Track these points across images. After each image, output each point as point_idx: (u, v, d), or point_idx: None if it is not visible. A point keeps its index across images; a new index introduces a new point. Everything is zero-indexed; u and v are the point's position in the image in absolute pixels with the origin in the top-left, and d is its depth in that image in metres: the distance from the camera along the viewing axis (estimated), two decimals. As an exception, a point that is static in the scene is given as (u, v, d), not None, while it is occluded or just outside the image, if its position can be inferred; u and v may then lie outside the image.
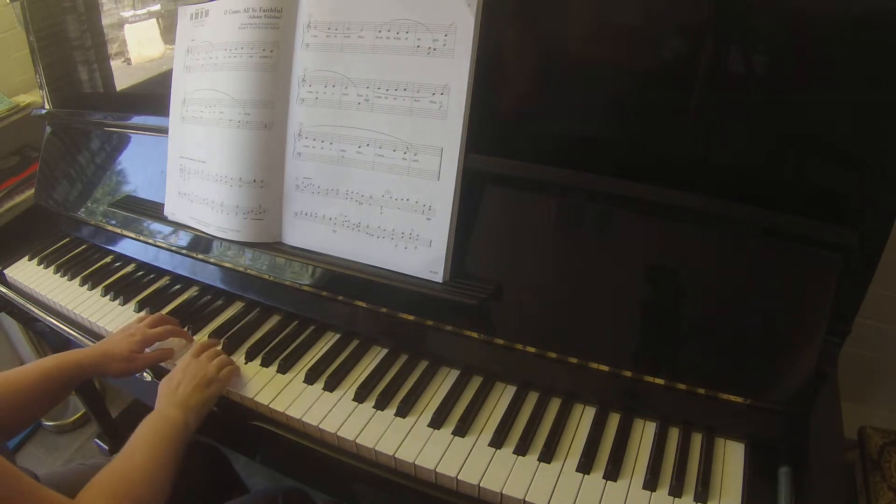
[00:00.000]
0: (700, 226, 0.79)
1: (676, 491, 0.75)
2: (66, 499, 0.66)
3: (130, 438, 0.80)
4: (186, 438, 0.83)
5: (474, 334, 0.90)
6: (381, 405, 0.89)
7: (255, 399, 0.91)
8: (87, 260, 1.29)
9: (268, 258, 1.03)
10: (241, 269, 1.07)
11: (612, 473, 0.78)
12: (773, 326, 0.77)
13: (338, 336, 1.03)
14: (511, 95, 0.94)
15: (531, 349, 0.87)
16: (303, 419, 0.88)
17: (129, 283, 1.21)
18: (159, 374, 0.96)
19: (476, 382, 0.92)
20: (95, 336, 1.11)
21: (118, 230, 1.23)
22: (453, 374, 0.94)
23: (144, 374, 1.00)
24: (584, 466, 0.79)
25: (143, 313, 1.11)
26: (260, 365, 0.98)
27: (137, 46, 1.38)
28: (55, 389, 0.90)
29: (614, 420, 0.85)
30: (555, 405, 0.88)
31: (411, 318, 0.94)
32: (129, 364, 0.95)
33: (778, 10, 0.76)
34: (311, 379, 0.94)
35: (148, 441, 0.79)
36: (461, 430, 0.84)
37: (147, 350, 0.98)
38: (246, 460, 1.42)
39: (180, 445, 0.81)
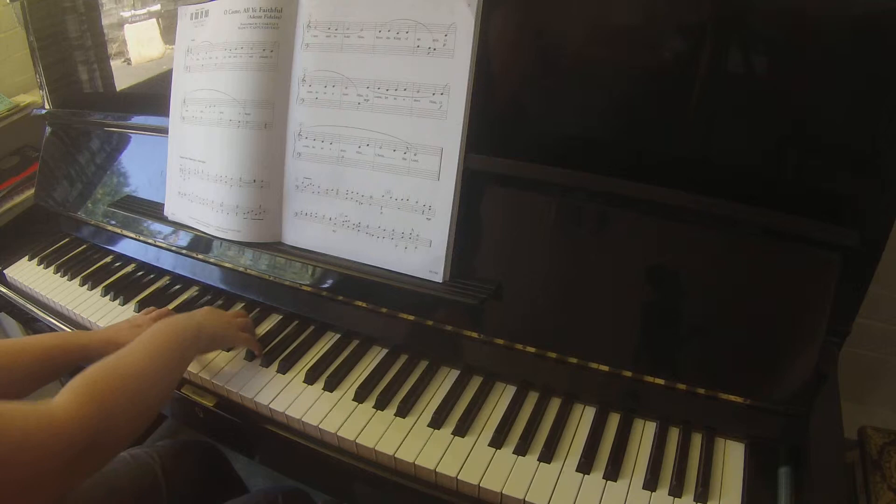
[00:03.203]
0: (700, 226, 0.79)
1: (676, 491, 0.75)
2: (32, 404, 0.61)
3: (138, 337, 0.78)
4: (191, 352, 0.83)
5: (474, 334, 0.90)
6: (381, 405, 0.89)
7: (255, 399, 0.91)
8: (87, 260, 1.29)
9: (268, 258, 1.03)
10: (241, 269, 1.07)
11: (612, 473, 0.78)
12: (774, 326, 0.77)
13: (338, 336, 1.03)
14: (512, 95, 0.94)
15: (531, 349, 0.87)
16: (303, 419, 0.88)
17: (129, 283, 1.21)
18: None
19: (476, 382, 0.92)
20: (95, 336, 1.11)
21: (118, 230, 1.23)
22: (453, 374, 0.94)
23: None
24: (584, 466, 0.79)
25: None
26: (260, 365, 0.97)
27: (137, 46, 1.38)
28: (54, 369, 0.88)
29: (614, 420, 0.85)
30: (555, 405, 0.88)
31: (411, 318, 0.94)
32: None
33: (777, 9, 0.76)
34: (311, 379, 0.94)
35: (151, 340, 0.77)
36: (461, 430, 0.84)
37: None
38: (246, 460, 1.42)
39: (184, 355, 0.81)
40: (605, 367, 0.84)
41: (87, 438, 0.62)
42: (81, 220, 1.31)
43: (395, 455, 0.81)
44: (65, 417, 0.61)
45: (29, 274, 1.28)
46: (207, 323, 0.89)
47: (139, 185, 1.23)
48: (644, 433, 0.84)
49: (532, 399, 0.89)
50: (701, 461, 0.78)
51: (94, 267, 1.27)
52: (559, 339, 0.86)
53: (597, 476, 0.78)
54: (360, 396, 0.90)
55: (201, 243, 1.10)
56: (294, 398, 0.91)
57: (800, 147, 0.81)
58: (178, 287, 1.18)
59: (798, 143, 0.80)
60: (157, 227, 1.16)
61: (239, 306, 1.12)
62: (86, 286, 1.21)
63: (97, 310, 1.15)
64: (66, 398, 0.63)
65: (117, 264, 1.27)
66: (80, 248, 1.33)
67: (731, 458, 0.80)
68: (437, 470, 0.79)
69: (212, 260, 1.10)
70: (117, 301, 1.16)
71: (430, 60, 0.86)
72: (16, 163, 1.81)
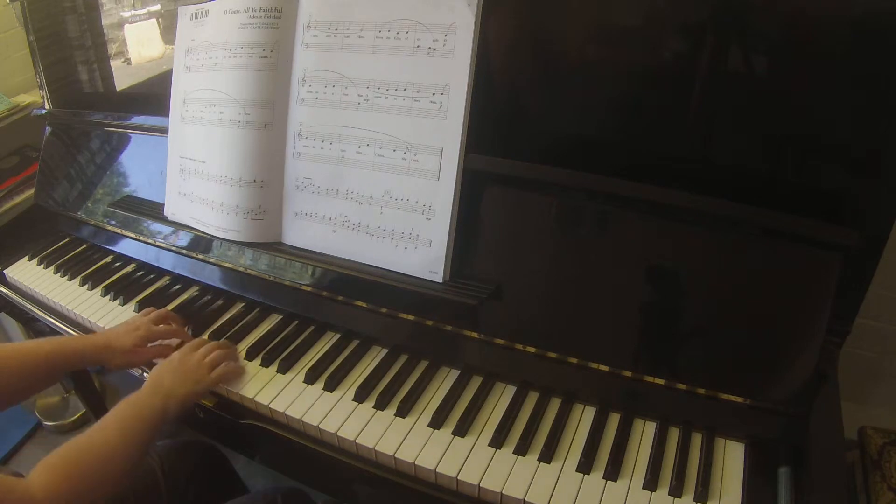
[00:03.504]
0: (700, 226, 0.79)
1: (676, 491, 0.75)
2: (14, 479, 0.65)
3: (105, 415, 0.80)
4: (160, 425, 0.83)
5: (474, 334, 0.90)
6: (381, 405, 0.89)
7: (255, 399, 0.91)
8: (87, 260, 1.29)
9: (268, 258, 1.03)
10: (241, 269, 1.07)
11: (612, 473, 0.78)
12: (774, 326, 0.77)
13: (338, 336, 1.03)
14: (511, 95, 0.94)
15: (531, 349, 0.87)
16: (303, 419, 0.88)
17: (129, 283, 1.21)
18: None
19: (476, 382, 0.92)
20: (95, 336, 1.11)
21: (118, 230, 1.23)
22: (453, 374, 0.94)
23: (144, 373, 1.00)
24: (584, 466, 0.79)
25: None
26: (260, 365, 0.97)
27: (137, 46, 1.38)
28: (53, 372, 0.91)
29: (614, 420, 0.85)
30: (555, 405, 0.88)
31: (411, 318, 0.94)
32: (131, 358, 0.96)
33: (777, 9, 0.76)
34: (311, 379, 0.94)
35: (118, 420, 0.80)
36: (461, 430, 0.84)
37: (149, 346, 0.99)
38: (246, 460, 1.42)
39: (152, 431, 0.82)
40: (605, 367, 0.84)
41: None
42: (81, 220, 1.31)
43: (395, 455, 0.81)
44: (42, 497, 0.65)
45: (29, 274, 1.28)
46: (175, 390, 0.86)
47: (139, 185, 1.23)
48: (644, 433, 0.84)
49: (532, 399, 0.89)
50: (701, 461, 0.78)
51: (94, 267, 1.27)
52: (559, 339, 0.86)
53: (597, 476, 0.78)
54: (360, 396, 0.90)
55: (201, 243, 1.10)
56: (294, 398, 0.91)
57: (800, 147, 0.81)
58: (178, 287, 1.18)
59: (798, 142, 0.80)
60: (157, 227, 1.16)
61: (239, 306, 1.12)
62: (86, 286, 1.21)
63: (97, 310, 1.15)
64: (42, 478, 0.67)
65: (117, 264, 1.27)
66: (80, 248, 1.33)
67: (731, 458, 0.80)
68: (437, 470, 0.79)
69: (212, 260, 1.10)
70: (117, 301, 1.16)
71: (430, 60, 0.86)
72: (16, 163, 1.81)
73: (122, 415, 0.81)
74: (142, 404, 0.83)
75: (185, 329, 1.05)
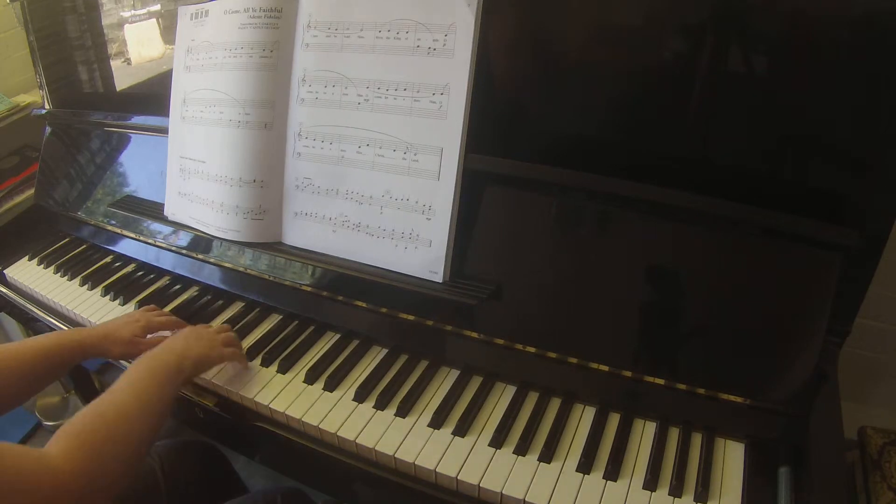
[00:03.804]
0: (700, 226, 0.79)
1: (676, 491, 0.75)
2: (28, 448, 0.63)
3: (118, 379, 0.78)
4: (176, 384, 0.82)
5: (474, 334, 0.90)
6: (381, 405, 0.89)
7: (255, 399, 0.91)
8: (87, 260, 1.29)
9: (268, 258, 1.03)
10: (241, 269, 1.07)
11: (612, 473, 0.78)
12: (774, 326, 0.77)
13: (338, 336, 1.03)
14: (511, 95, 0.94)
15: (531, 349, 0.87)
16: (303, 419, 0.88)
17: (129, 283, 1.21)
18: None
19: (476, 382, 0.92)
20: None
21: (118, 230, 1.23)
22: (453, 374, 0.94)
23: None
24: (584, 466, 0.79)
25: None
26: (260, 365, 0.98)
27: (137, 46, 1.38)
28: (54, 368, 0.89)
29: (614, 420, 0.85)
30: (555, 405, 0.88)
31: (411, 318, 0.94)
32: (132, 347, 0.95)
33: (777, 9, 0.76)
34: (311, 379, 0.94)
35: (133, 380, 0.77)
36: (461, 430, 0.84)
37: (148, 336, 0.98)
38: (246, 460, 1.42)
39: (166, 390, 0.80)
40: (605, 367, 0.84)
41: (81, 487, 0.63)
42: (81, 220, 1.31)
43: (395, 455, 0.81)
44: (59, 465, 0.63)
45: (29, 274, 1.28)
46: (189, 350, 0.86)
47: (139, 185, 1.23)
48: (644, 433, 0.84)
49: (532, 399, 0.89)
50: (701, 461, 0.78)
51: (94, 267, 1.27)
52: (559, 339, 0.86)
53: (597, 476, 0.78)
54: (360, 396, 0.90)
55: (201, 243, 1.10)
56: (294, 398, 0.91)
57: (800, 147, 0.81)
58: (178, 287, 1.18)
59: (798, 142, 0.80)
60: (157, 227, 1.16)
61: (239, 306, 1.12)
62: (86, 286, 1.21)
63: (97, 310, 1.15)
64: (58, 447, 0.65)
65: (117, 264, 1.27)
66: (80, 248, 1.33)
67: (731, 458, 0.80)
68: (437, 470, 0.79)
69: (212, 260, 1.10)
70: (117, 301, 1.16)
71: (430, 60, 0.86)
72: (16, 163, 1.81)
73: (135, 375, 0.78)
74: (155, 362, 0.82)
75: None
